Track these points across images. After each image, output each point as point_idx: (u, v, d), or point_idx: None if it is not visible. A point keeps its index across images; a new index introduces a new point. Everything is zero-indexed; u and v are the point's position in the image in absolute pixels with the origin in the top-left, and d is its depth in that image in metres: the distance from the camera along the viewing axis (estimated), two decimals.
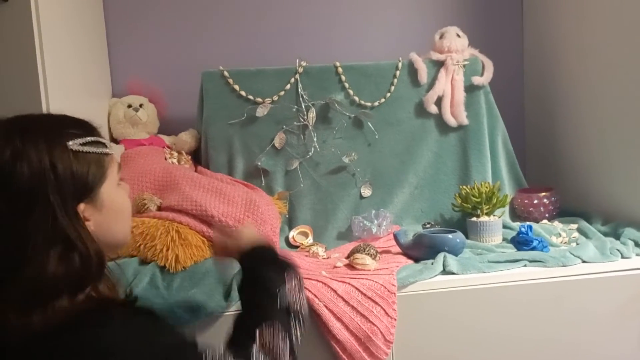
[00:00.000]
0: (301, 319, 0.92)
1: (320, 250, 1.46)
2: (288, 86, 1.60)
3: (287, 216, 1.60)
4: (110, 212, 0.80)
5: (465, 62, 1.66)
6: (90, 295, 0.75)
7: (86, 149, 0.76)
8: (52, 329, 0.69)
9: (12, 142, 0.72)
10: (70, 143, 0.74)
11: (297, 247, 1.54)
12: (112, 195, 0.80)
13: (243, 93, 1.59)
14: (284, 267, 0.96)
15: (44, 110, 1.19)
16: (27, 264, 0.70)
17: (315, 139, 1.60)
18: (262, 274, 0.94)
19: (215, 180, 1.45)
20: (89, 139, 0.77)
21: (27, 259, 0.70)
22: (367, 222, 1.54)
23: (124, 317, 0.75)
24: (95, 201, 0.77)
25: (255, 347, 0.83)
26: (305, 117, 1.60)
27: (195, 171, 1.58)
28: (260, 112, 1.58)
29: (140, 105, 1.67)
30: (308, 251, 1.47)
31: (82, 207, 0.75)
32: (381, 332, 1.16)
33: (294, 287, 0.93)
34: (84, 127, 0.80)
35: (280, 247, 1.46)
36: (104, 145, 0.79)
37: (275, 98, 1.59)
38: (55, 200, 0.72)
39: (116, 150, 0.77)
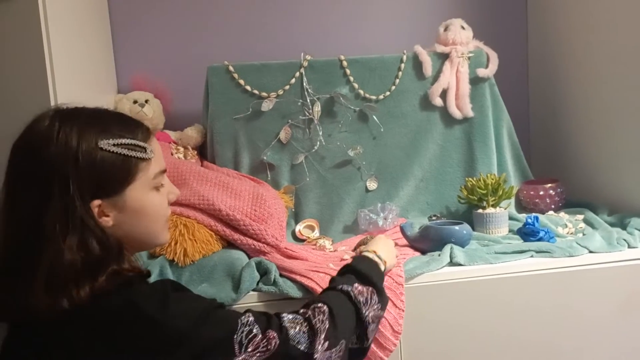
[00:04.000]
0: (364, 330, 0.96)
1: (327, 243, 1.47)
2: (293, 80, 1.60)
3: (293, 210, 1.60)
4: (134, 214, 0.82)
5: (470, 55, 1.66)
6: (115, 273, 0.77)
7: (116, 149, 0.78)
8: (80, 306, 0.73)
9: (54, 120, 0.77)
10: (102, 142, 0.77)
11: (303, 240, 1.54)
12: (141, 199, 0.82)
13: (248, 88, 1.59)
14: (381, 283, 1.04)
15: (52, 105, 1.19)
16: (46, 248, 0.73)
17: (320, 133, 1.60)
18: (368, 271, 1.02)
19: (222, 175, 1.46)
20: (124, 141, 0.79)
21: (46, 243, 0.73)
22: (373, 215, 1.55)
23: (149, 284, 0.81)
24: (117, 201, 0.79)
25: (303, 311, 0.89)
26: (311, 111, 1.60)
27: (202, 166, 1.58)
28: (266, 106, 1.58)
29: (146, 101, 1.67)
30: (315, 244, 1.47)
31: (96, 202, 0.77)
32: (389, 324, 1.17)
33: (377, 303, 0.98)
34: (127, 128, 0.82)
35: (287, 240, 1.47)
36: (141, 149, 0.81)
37: (280, 92, 1.60)
38: (73, 188, 0.74)
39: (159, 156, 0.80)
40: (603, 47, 1.59)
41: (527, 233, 1.39)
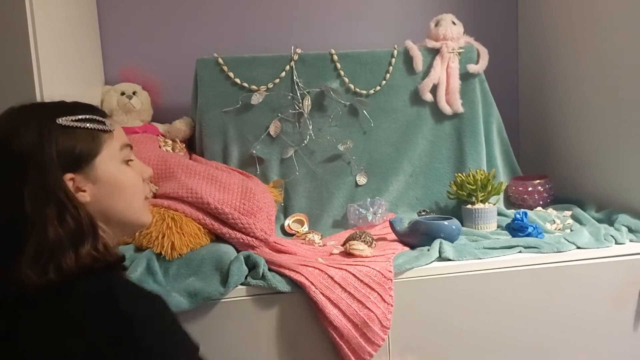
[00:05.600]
0: None
1: (316, 237, 1.46)
2: (283, 74, 1.59)
3: (282, 204, 1.60)
4: (110, 187, 0.85)
5: (461, 50, 1.66)
6: (95, 253, 0.79)
7: (75, 124, 0.82)
8: (67, 280, 0.75)
9: (12, 113, 0.82)
10: (60, 119, 0.81)
11: (292, 235, 1.54)
12: (111, 171, 0.85)
13: (238, 80, 1.58)
14: None
15: (38, 97, 1.18)
16: (32, 226, 0.76)
17: (310, 127, 1.60)
18: None
19: (210, 168, 1.45)
20: (81, 116, 0.83)
21: (31, 222, 0.76)
22: (362, 209, 1.54)
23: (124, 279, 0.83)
24: (88, 173, 0.82)
25: None
26: (301, 104, 1.59)
27: (190, 159, 1.57)
28: (255, 99, 1.57)
29: (134, 93, 1.65)
30: (304, 239, 1.47)
31: (69, 176, 0.80)
32: (378, 318, 1.17)
33: None
34: (82, 108, 0.86)
35: (276, 235, 1.46)
36: (100, 122, 0.85)
37: (270, 85, 1.59)
38: (44, 167, 0.78)
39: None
40: (593, 45, 1.60)
41: (516, 228, 1.39)
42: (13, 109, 0.84)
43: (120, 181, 0.86)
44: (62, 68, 1.37)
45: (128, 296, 0.77)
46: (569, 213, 1.57)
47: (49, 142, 0.79)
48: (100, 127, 0.84)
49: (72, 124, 0.81)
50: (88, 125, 0.83)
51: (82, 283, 0.76)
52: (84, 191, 0.82)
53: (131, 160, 0.90)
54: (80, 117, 0.83)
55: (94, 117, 0.85)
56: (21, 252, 0.75)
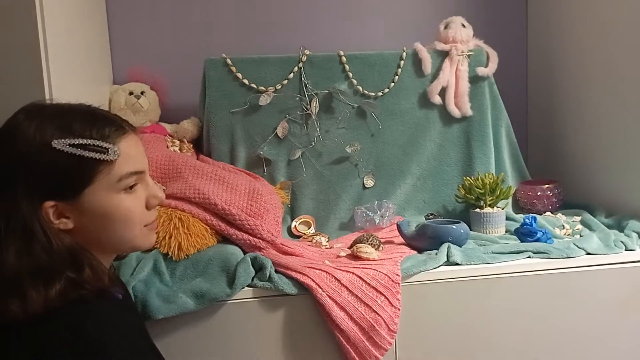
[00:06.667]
0: None
1: (323, 240, 1.45)
2: (291, 75, 1.58)
3: (289, 206, 1.59)
4: (99, 219, 0.78)
5: (470, 53, 1.65)
6: (71, 284, 0.73)
7: (70, 149, 0.74)
8: (33, 316, 0.69)
9: (19, 117, 0.75)
10: (56, 141, 0.73)
11: (299, 237, 1.53)
12: (101, 202, 0.77)
13: (246, 81, 1.57)
14: None
15: (47, 96, 1.18)
16: None
17: (318, 129, 1.59)
18: None
19: (218, 169, 1.44)
20: (81, 141, 0.75)
21: None
22: (369, 212, 1.53)
23: (103, 309, 0.75)
24: (74, 204, 0.76)
25: None
26: (309, 106, 1.58)
27: (197, 160, 1.57)
28: (263, 100, 1.57)
29: (142, 93, 1.65)
30: (311, 241, 1.46)
31: (49, 204, 0.74)
32: (385, 322, 1.16)
33: None
34: (93, 126, 0.77)
35: (283, 237, 1.45)
36: (101, 150, 0.76)
37: (278, 87, 1.58)
38: (20, 188, 0.71)
39: (126, 157, 0.76)
40: (603, 48, 1.59)
41: (525, 233, 1.38)
42: (28, 108, 0.77)
43: (111, 213, 0.78)
44: (71, 67, 1.37)
45: (103, 324, 0.72)
46: (578, 218, 1.55)
47: (37, 162, 0.72)
48: (100, 156, 0.76)
49: (67, 149, 0.73)
50: (85, 154, 0.75)
51: (60, 315, 0.71)
52: (67, 218, 0.76)
53: (134, 185, 0.82)
54: (80, 141, 0.75)
55: (97, 143, 0.76)
56: None
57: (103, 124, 0.79)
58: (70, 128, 0.75)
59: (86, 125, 0.77)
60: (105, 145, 0.77)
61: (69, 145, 0.73)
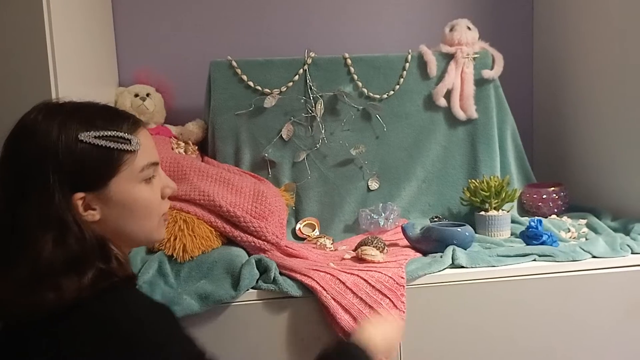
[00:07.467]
0: None
1: (327, 242, 1.45)
2: (296, 77, 1.58)
3: (294, 208, 1.59)
4: (123, 208, 0.80)
5: (476, 55, 1.65)
6: (101, 274, 0.76)
7: (96, 141, 0.77)
8: (66, 306, 0.71)
9: (39, 114, 0.77)
10: (83, 134, 0.76)
11: (303, 239, 1.53)
12: (128, 192, 0.80)
13: (251, 83, 1.58)
14: None
15: (53, 96, 1.18)
16: (26, 244, 0.72)
17: (323, 131, 1.59)
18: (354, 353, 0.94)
19: (223, 171, 1.44)
20: (106, 132, 0.78)
21: (25, 239, 0.72)
22: (374, 215, 1.53)
23: (136, 294, 0.79)
24: (101, 194, 0.78)
25: None
26: (313, 108, 1.58)
27: (202, 162, 1.57)
28: (268, 103, 1.57)
29: (147, 95, 1.66)
30: (315, 243, 1.46)
31: (79, 195, 0.76)
32: None
33: None
34: (112, 121, 0.80)
35: (287, 239, 1.45)
36: (125, 141, 0.79)
37: (284, 89, 1.58)
38: (52, 181, 0.74)
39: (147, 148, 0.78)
40: (609, 51, 1.58)
41: (530, 236, 1.38)
42: (46, 106, 0.79)
43: (134, 202, 0.81)
44: (78, 68, 1.37)
45: (138, 308, 0.75)
46: (584, 221, 1.55)
47: (66, 156, 0.74)
48: (124, 147, 0.79)
49: (94, 141, 0.76)
50: (111, 145, 0.78)
51: (92, 304, 0.73)
52: (94, 209, 0.78)
53: (153, 176, 0.85)
54: (105, 133, 0.77)
55: (120, 134, 0.79)
56: (13, 269, 0.72)
57: (120, 118, 0.82)
58: (93, 122, 0.78)
59: (106, 119, 0.80)
60: (127, 136, 0.80)
61: (95, 137, 0.77)
